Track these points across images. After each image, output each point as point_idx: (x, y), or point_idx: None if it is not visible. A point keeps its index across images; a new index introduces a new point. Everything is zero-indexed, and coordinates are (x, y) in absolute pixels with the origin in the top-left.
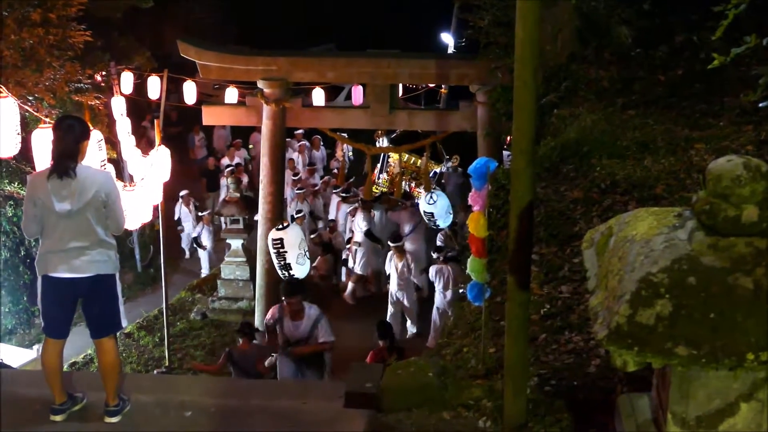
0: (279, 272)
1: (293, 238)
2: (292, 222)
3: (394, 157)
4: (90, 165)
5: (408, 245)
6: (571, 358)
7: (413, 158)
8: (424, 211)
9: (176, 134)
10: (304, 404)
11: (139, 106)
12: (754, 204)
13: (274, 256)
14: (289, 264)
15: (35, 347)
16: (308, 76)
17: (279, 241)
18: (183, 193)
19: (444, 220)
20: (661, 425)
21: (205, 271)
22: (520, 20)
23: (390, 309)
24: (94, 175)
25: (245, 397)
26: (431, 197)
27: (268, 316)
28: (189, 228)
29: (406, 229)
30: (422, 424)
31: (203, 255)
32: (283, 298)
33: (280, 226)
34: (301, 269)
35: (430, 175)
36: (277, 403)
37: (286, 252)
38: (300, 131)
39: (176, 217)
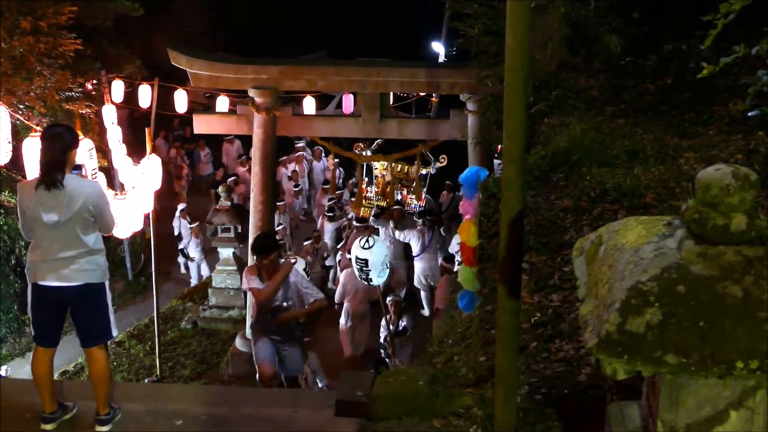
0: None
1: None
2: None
3: (380, 167)
4: (78, 175)
5: (420, 265)
6: (561, 366)
7: (401, 166)
8: (357, 257)
9: (192, 150)
10: (294, 412)
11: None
12: (743, 213)
13: (356, 269)
14: (370, 278)
15: (4, 367)
16: (299, 85)
17: (363, 261)
18: (181, 207)
19: (378, 274)
20: None
21: (194, 282)
22: (510, 29)
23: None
24: (82, 186)
25: (236, 406)
26: (367, 241)
27: (245, 282)
28: (187, 240)
29: (417, 249)
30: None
31: (192, 267)
32: (255, 257)
33: (363, 244)
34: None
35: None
36: (267, 412)
37: (369, 270)
38: (301, 143)
39: (176, 233)
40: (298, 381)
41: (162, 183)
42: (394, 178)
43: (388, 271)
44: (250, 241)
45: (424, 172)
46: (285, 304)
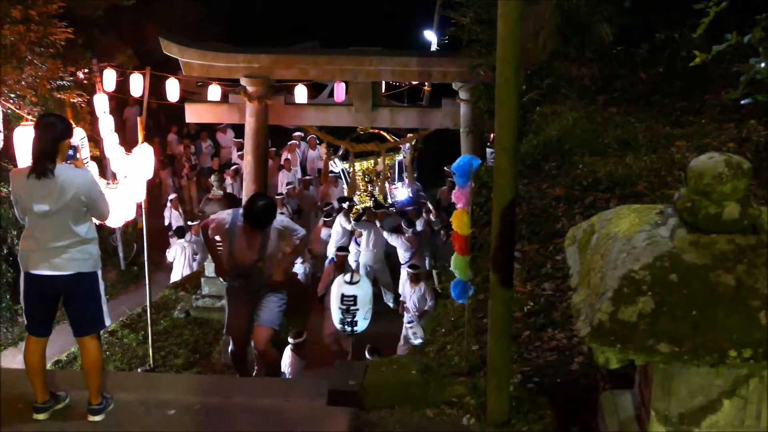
0: (339, 326)
1: (365, 294)
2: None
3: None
4: (73, 159)
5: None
6: (554, 355)
7: (367, 162)
8: (343, 295)
9: (196, 143)
10: (287, 402)
11: (159, 122)
12: (736, 201)
13: (339, 312)
14: (356, 321)
15: None
16: (290, 74)
17: (351, 298)
18: (172, 197)
19: (365, 315)
20: (643, 422)
21: None
22: (502, 18)
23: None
24: (74, 176)
25: (228, 395)
26: (351, 276)
27: (215, 222)
28: None
29: (405, 256)
30: (405, 421)
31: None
32: (243, 215)
33: (350, 279)
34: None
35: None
36: (260, 401)
37: (357, 309)
38: (299, 133)
39: (167, 223)
40: (267, 340)
41: (170, 175)
42: (366, 175)
43: (371, 314)
44: None
45: (399, 158)
46: (260, 264)
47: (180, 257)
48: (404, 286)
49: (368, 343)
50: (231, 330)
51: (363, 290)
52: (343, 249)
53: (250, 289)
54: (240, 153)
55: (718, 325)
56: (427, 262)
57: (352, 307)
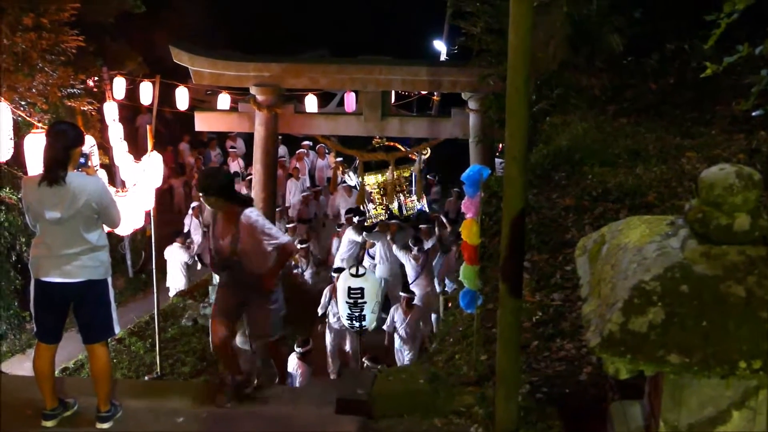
0: (347, 323)
1: (372, 286)
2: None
3: (372, 181)
4: (84, 167)
5: (415, 291)
6: (562, 365)
7: (381, 175)
8: (349, 288)
9: (205, 152)
10: (295, 410)
11: (173, 131)
12: (746, 212)
13: (346, 306)
14: (364, 315)
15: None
16: (300, 83)
17: (358, 291)
18: (194, 204)
19: (372, 309)
20: None
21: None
22: (512, 27)
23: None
24: (85, 184)
25: (237, 403)
26: (357, 268)
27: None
28: (198, 240)
29: (412, 274)
30: (413, 430)
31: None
32: (201, 194)
33: (355, 272)
34: (373, 318)
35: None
36: (267, 409)
37: (364, 302)
38: (307, 142)
39: (186, 230)
40: (273, 347)
41: (182, 184)
42: (381, 188)
43: (379, 310)
44: None
45: (413, 170)
46: (234, 257)
47: (171, 259)
48: (395, 311)
49: (370, 352)
50: (216, 307)
51: (369, 282)
52: (339, 270)
53: (236, 282)
54: (237, 162)
55: (729, 336)
56: (436, 281)
57: (359, 301)
